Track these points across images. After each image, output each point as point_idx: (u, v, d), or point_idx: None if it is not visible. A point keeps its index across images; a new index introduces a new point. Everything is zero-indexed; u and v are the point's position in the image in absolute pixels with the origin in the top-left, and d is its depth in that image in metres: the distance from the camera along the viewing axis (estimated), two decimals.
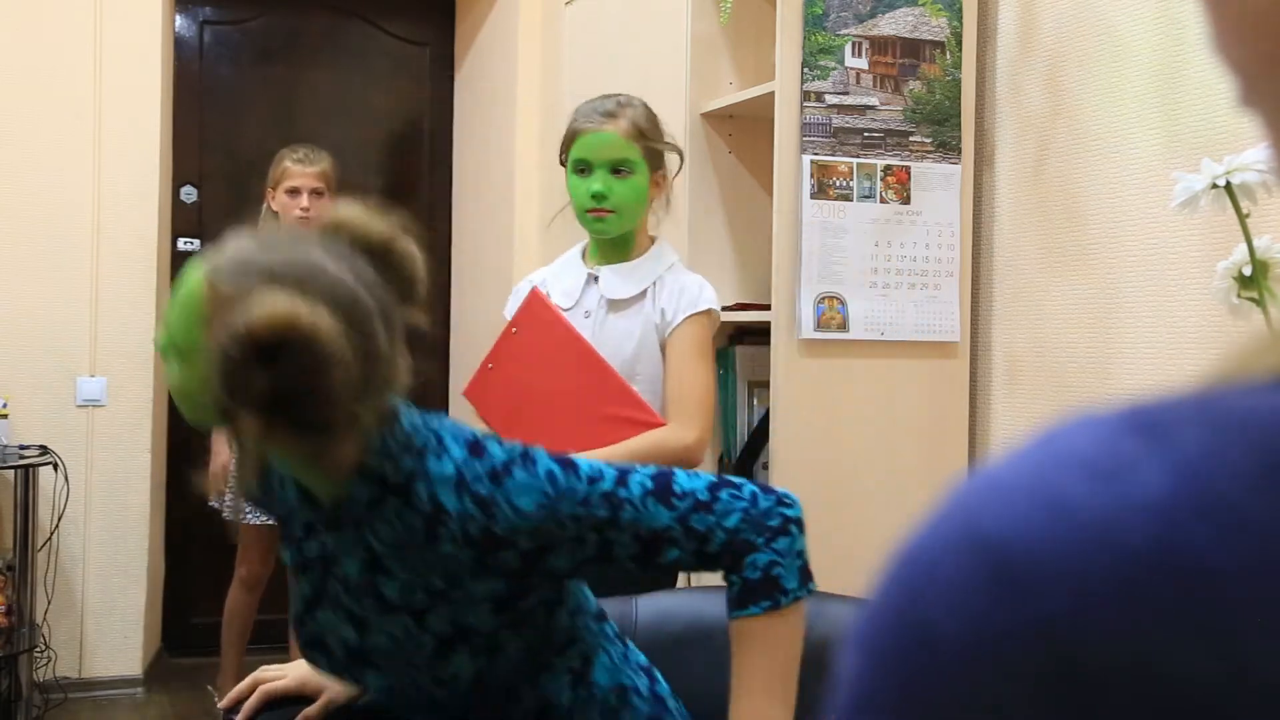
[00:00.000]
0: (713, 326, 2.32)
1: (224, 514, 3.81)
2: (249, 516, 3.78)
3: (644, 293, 2.31)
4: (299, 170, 3.77)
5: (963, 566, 0.31)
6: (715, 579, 1.44)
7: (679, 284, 2.31)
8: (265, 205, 3.82)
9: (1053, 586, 0.30)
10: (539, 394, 2.30)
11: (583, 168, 2.32)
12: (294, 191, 3.78)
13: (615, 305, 2.32)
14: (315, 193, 3.77)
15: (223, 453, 3.75)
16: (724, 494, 1.44)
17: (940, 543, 0.32)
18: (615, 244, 2.35)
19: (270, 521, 3.73)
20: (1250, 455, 0.31)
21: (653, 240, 2.39)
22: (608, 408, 2.24)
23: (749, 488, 1.47)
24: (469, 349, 4.74)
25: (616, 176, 2.30)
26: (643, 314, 2.30)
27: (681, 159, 2.43)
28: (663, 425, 2.23)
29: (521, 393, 2.32)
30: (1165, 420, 0.32)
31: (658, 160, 2.35)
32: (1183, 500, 0.30)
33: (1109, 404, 0.34)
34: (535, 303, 2.34)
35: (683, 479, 1.45)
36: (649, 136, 2.32)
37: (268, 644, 4.10)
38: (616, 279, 2.33)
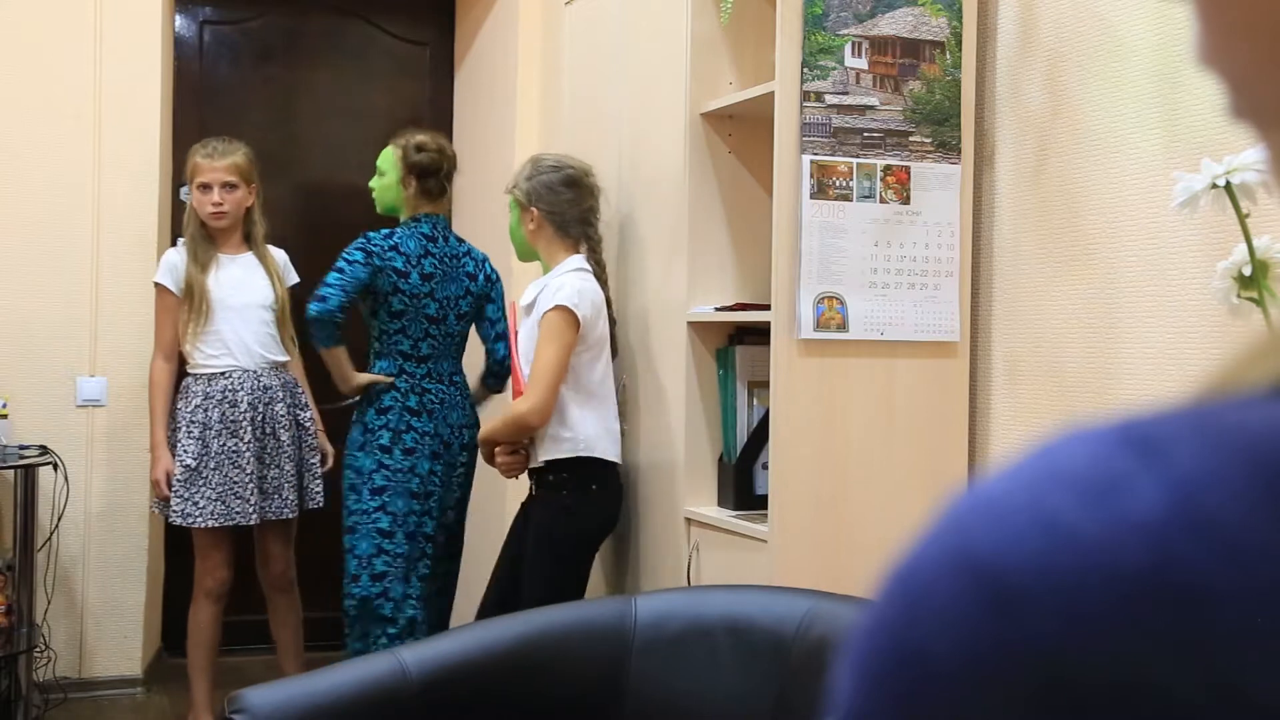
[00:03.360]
0: (563, 319, 2.99)
1: (169, 519, 3.70)
2: (199, 520, 3.62)
3: (536, 296, 3.08)
4: (207, 165, 3.67)
5: (956, 589, 0.31)
6: (715, 579, 1.44)
7: (547, 287, 3.04)
8: (188, 203, 3.75)
9: (1046, 609, 0.30)
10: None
11: None
12: (205, 187, 3.68)
13: (528, 308, 3.09)
14: (227, 186, 3.67)
15: (164, 458, 3.65)
16: None
17: (934, 564, 0.32)
18: (542, 264, 3.21)
19: (225, 523, 3.60)
20: (1246, 472, 0.30)
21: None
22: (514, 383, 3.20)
23: None
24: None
25: None
26: (533, 311, 3.07)
27: (524, 200, 3.17)
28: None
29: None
30: (1160, 436, 0.32)
31: (528, 200, 3.15)
32: (1177, 520, 0.30)
33: (1103, 417, 0.33)
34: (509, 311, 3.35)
35: None
36: (511, 185, 3.23)
37: (239, 645, 4.05)
38: (528, 289, 3.14)
